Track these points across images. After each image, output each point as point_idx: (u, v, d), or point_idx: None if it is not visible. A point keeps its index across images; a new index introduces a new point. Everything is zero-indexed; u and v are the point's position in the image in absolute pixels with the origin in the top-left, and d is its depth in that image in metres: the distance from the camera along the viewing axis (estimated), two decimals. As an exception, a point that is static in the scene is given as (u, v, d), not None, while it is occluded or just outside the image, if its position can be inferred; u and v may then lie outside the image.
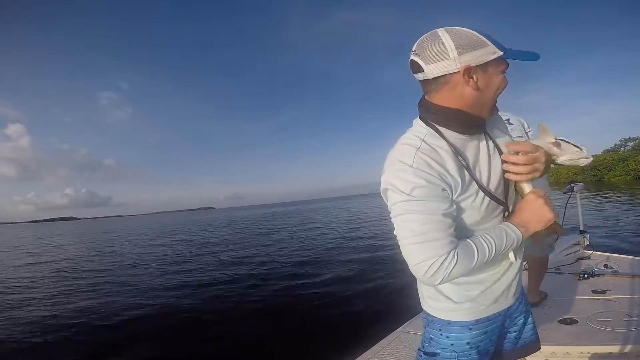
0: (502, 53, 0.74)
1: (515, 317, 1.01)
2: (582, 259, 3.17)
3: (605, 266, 2.86)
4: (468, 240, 0.77)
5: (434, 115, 0.80)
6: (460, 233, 0.78)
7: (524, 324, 1.03)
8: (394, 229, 0.78)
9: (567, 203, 2.62)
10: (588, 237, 3.44)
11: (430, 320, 0.94)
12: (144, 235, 21.73)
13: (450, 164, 0.76)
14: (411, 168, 0.73)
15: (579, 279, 2.65)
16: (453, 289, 0.89)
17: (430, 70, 0.75)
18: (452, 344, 0.90)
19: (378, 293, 4.87)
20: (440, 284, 0.75)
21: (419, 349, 1.01)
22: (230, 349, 3.60)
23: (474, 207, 0.80)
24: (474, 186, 0.79)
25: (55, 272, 9.21)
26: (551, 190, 2.37)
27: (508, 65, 0.78)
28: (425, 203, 0.72)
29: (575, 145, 0.88)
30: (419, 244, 0.73)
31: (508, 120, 2.19)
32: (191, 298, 5.55)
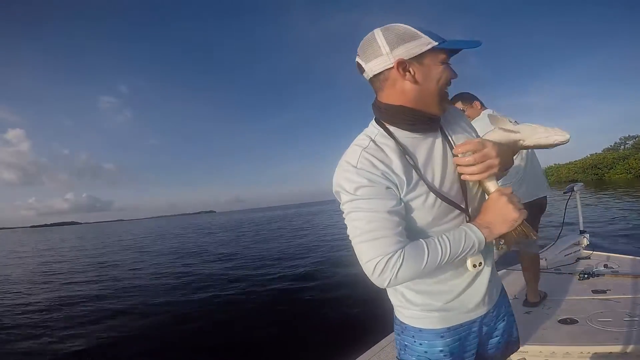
0: (436, 43, 0.73)
1: (496, 323, 0.98)
2: (582, 259, 3.17)
3: (605, 266, 2.86)
4: (420, 240, 0.75)
5: (383, 114, 0.80)
6: (413, 235, 0.77)
7: (506, 327, 1.01)
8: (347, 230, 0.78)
9: (567, 203, 2.63)
10: (588, 237, 3.44)
11: (404, 328, 0.93)
12: (145, 240, 21.73)
13: (396, 163, 0.75)
14: (355, 168, 0.74)
15: (579, 279, 2.65)
16: (419, 298, 0.88)
17: (370, 68, 0.76)
18: (425, 351, 0.90)
19: (377, 293, 4.85)
20: (389, 285, 0.73)
21: (396, 357, 1.01)
22: (230, 351, 3.60)
23: (425, 207, 0.78)
24: (424, 186, 0.77)
25: (51, 275, 9.22)
26: (550, 190, 2.39)
27: (448, 56, 0.77)
28: (369, 202, 0.72)
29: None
30: (366, 243, 0.73)
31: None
32: (190, 301, 5.55)
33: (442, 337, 0.88)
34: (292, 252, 9.83)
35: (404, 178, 0.75)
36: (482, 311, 0.92)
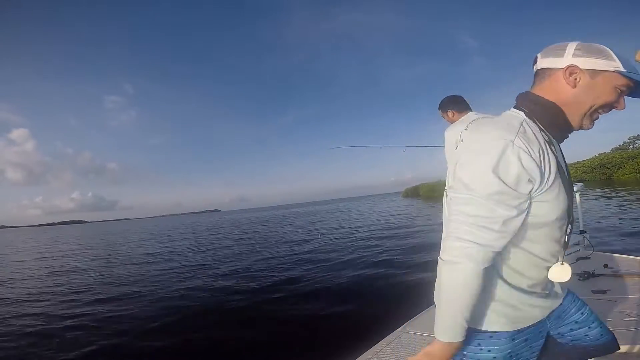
0: (623, 70, 0.73)
1: (567, 317, 0.96)
2: (582, 259, 3.16)
3: (606, 266, 2.85)
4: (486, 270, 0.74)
5: (531, 105, 0.82)
6: (528, 235, 0.79)
7: (582, 322, 0.97)
8: (454, 188, 0.77)
9: None
10: (588, 237, 3.43)
11: (466, 336, 0.82)
12: (154, 238, 21.89)
13: (543, 153, 0.74)
14: (510, 157, 0.71)
15: (579, 279, 2.65)
16: (507, 296, 0.85)
17: (542, 62, 0.82)
18: (494, 357, 0.85)
19: (378, 293, 4.87)
20: (445, 277, 0.74)
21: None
22: (229, 352, 3.59)
23: (556, 204, 0.77)
24: (559, 181, 0.77)
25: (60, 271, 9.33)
26: None
27: (629, 88, 0.76)
28: (505, 200, 0.71)
29: None
30: (475, 225, 0.72)
31: None
32: (191, 299, 5.57)
33: (513, 339, 0.85)
34: (291, 251, 9.82)
35: (546, 170, 0.74)
36: (552, 307, 0.91)
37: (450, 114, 2.33)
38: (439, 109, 2.33)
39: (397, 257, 7.29)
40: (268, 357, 3.43)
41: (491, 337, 0.85)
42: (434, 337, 0.80)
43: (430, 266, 6.30)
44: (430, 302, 2.61)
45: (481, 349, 0.86)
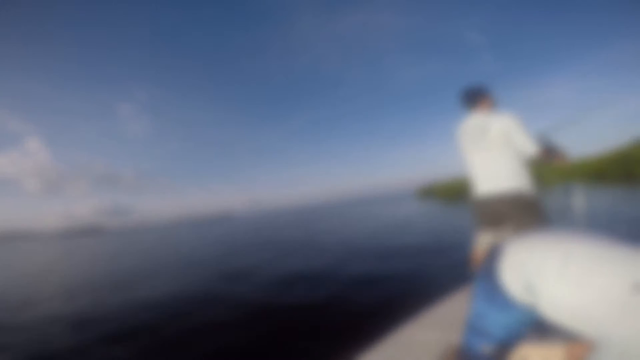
0: None
1: None
2: None
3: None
4: None
5: None
6: None
7: None
8: None
9: (567, 203, 2.60)
10: None
11: (492, 297, 1.00)
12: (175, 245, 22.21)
13: None
14: None
15: None
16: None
17: None
18: (507, 321, 0.99)
19: (378, 293, 4.87)
20: None
21: (466, 322, 1.10)
22: (227, 353, 3.60)
23: None
24: None
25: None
26: (550, 189, 2.39)
27: None
28: None
29: None
30: None
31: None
32: (191, 298, 5.59)
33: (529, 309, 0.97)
34: (292, 251, 9.80)
35: None
36: None
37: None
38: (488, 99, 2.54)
39: (400, 257, 7.23)
40: (267, 356, 3.44)
41: (514, 304, 0.96)
42: (433, 337, 0.88)
43: (432, 266, 6.19)
44: (430, 302, 2.63)
45: (499, 312, 0.99)
